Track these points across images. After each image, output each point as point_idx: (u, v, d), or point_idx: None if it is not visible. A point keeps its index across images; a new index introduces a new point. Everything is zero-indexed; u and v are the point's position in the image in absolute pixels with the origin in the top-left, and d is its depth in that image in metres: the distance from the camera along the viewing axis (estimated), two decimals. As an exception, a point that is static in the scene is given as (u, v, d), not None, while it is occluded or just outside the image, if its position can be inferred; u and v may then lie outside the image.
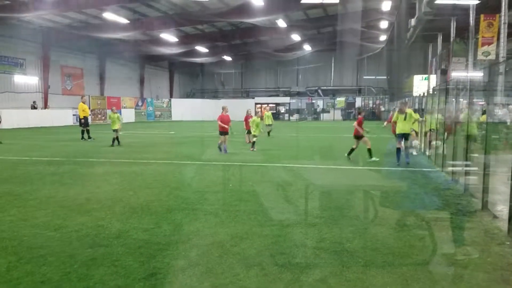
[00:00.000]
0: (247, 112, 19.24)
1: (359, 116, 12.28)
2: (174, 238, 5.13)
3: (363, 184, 8.86)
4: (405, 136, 11.35)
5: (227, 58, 50.24)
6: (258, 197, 7.48)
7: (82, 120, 20.53)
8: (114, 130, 17.04)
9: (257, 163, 11.85)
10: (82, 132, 20.22)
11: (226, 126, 13.98)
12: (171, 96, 56.68)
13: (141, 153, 14.27)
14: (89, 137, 20.04)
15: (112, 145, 16.66)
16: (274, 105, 53.09)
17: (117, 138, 17.07)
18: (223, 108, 14.36)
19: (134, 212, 6.34)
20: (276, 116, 49.55)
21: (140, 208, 6.57)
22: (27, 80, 35.77)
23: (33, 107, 35.03)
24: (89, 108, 30.92)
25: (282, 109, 53.65)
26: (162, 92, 55.97)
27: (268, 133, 21.69)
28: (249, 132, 18.35)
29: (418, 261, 4.47)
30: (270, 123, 22.22)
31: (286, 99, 53.90)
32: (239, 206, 6.79)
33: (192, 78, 62.59)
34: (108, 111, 40.28)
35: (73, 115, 34.39)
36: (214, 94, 59.60)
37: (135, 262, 4.33)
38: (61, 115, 35.47)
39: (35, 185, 8.52)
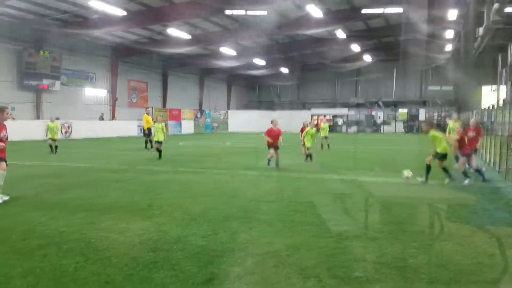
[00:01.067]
0: (304, 123, 19.13)
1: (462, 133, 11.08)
2: (230, 246, 5.17)
3: (427, 198, 8.45)
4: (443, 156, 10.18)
5: (284, 70, 50.49)
6: (315, 208, 7.37)
7: (146, 131, 21.52)
8: (157, 142, 15.96)
9: (313, 174, 11.72)
10: (146, 142, 21.13)
11: (270, 140, 13.05)
12: (228, 108, 57.84)
13: (199, 163, 14.63)
14: (152, 147, 20.88)
15: (159, 158, 15.75)
16: (331, 117, 52.31)
17: (157, 149, 16.03)
18: (272, 122, 13.60)
19: (192, 218, 6.48)
20: (333, 128, 48.83)
21: (198, 215, 6.71)
22: (96, 93, 38.13)
23: (101, 118, 37.20)
24: (153, 120, 32.31)
25: (340, 121, 52.75)
26: (220, 104, 57.27)
27: (328, 145, 21.36)
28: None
29: (487, 279, 4.17)
30: (326, 135, 21.88)
31: (344, 111, 52.91)
32: (295, 216, 6.72)
33: (248, 90, 63.57)
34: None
35: (138, 126, 36.01)
36: (270, 106, 59.99)
37: (193, 267, 4.40)
38: (127, 126, 37.26)
39: (102, 191, 8.99)
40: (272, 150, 13.15)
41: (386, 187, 9.89)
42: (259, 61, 43.81)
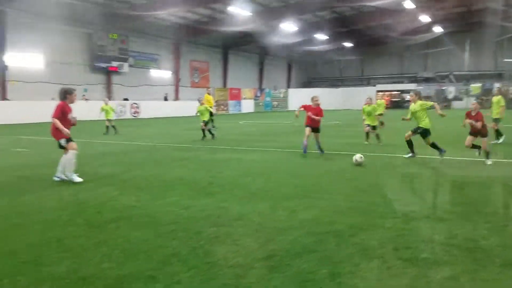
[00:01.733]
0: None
1: None
2: (290, 224, 5.15)
3: (502, 178, 7.86)
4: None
5: (347, 44, 48.93)
6: (379, 188, 7.14)
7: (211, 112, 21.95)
8: (203, 122, 15.88)
9: (377, 153, 11.34)
10: (208, 121, 21.59)
11: (314, 118, 11.05)
12: (288, 86, 57.40)
13: (259, 141, 14.71)
14: (213, 126, 21.32)
15: (206, 137, 15.75)
16: (398, 92, 50.09)
17: (207, 130, 15.96)
18: (312, 99, 11.44)
19: (252, 196, 6.55)
20: (400, 104, 46.84)
21: (257, 193, 6.76)
22: (161, 74, 39.45)
23: (165, 98, 38.56)
24: (214, 100, 32.89)
25: (407, 97, 50.49)
26: (280, 82, 56.97)
27: (382, 123, 20.53)
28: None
29: None
30: (382, 112, 20.97)
31: (412, 86, 50.46)
32: (358, 196, 6.56)
33: (309, 67, 62.48)
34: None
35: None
36: (333, 83, 58.66)
37: (254, 243, 4.45)
38: (189, 106, 38.28)
39: (167, 168, 9.34)
40: (308, 129, 11.08)
41: (456, 166, 9.34)
42: (321, 36, 42.75)
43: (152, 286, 3.46)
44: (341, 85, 55.95)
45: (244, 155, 11.34)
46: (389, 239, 4.59)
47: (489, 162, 9.08)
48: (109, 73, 34.16)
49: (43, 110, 24.89)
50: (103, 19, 32.61)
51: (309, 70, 62.79)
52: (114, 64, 34.01)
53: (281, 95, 54.00)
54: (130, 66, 35.65)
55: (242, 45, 46.05)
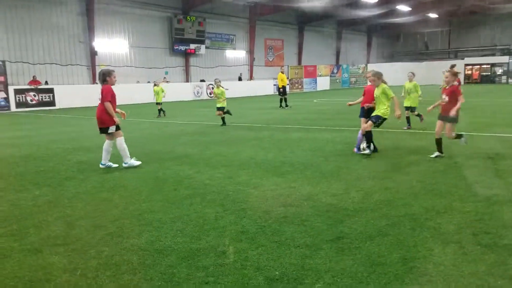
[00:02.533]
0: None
1: None
2: (363, 206, 5.03)
3: None
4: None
5: (432, 15, 45.67)
6: (460, 169, 6.69)
7: (281, 89, 21.93)
8: (218, 108, 14.45)
9: (462, 132, 10.57)
10: (281, 101, 21.60)
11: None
12: (367, 61, 55.20)
13: (333, 120, 14.42)
14: (286, 105, 21.29)
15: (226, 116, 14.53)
16: (488, 65, 46.01)
17: (226, 112, 14.61)
18: (368, 76, 8.89)
19: (324, 177, 6.47)
20: (491, 78, 43.05)
21: (330, 174, 6.67)
22: (236, 54, 39.98)
23: (240, 78, 39.12)
24: (287, 78, 32.72)
25: (499, 70, 46.16)
26: (358, 57, 54.96)
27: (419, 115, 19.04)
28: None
29: None
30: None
31: (504, 59, 46.00)
32: (437, 178, 6.21)
33: (391, 41, 59.47)
34: (305, 80, 41.73)
35: (274, 85, 36.97)
36: (416, 57, 55.32)
37: (323, 224, 4.42)
38: (263, 85, 38.52)
39: (240, 147, 9.55)
40: (363, 120, 8.69)
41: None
42: (403, 7, 40.33)
43: (221, 261, 3.60)
44: (426, 59, 52.53)
45: (318, 134, 11.21)
46: (467, 223, 4.31)
47: None
48: (187, 55, 35.37)
49: (128, 93, 26.67)
50: (182, 2, 33.64)
51: (390, 44, 59.77)
52: (192, 46, 35.09)
53: (360, 71, 52.13)
54: (207, 47, 36.56)
55: (319, 21, 44.96)
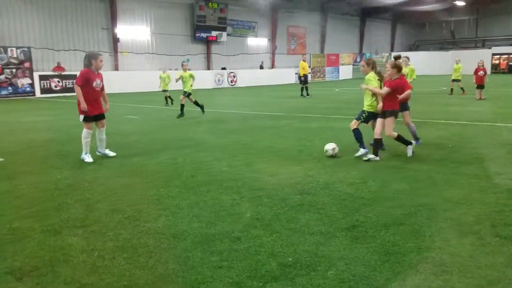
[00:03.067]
0: (478, 64, 16.79)
1: None
2: (379, 195, 4.98)
3: None
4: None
5: (459, 3, 44.33)
6: (483, 160, 6.53)
7: (302, 78, 21.75)
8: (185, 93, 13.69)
9: (484, 122, 10.31)
10: (302, 89, 21.45)
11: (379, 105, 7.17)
12: (391, 50, 54.12)
13: (354, 109, 14.15)
14: (308, 94, 21.12)
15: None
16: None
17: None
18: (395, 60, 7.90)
19: (341, 166, 6.43)
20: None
21: (347, 163, 6.63)
22: (257, 42, 39.76)
23: (261, 67, 38.93)
24: (309, 66, 32.42)
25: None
26: (382, 46, 53.93)
27: (462, 89, 18.71)
28: (479, 87, 16.10)
29: None
30: (457, 77, 19.12)
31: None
32: (458, 168, 6.09)
33: (416, 29, 58.10)
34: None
35: (295, 73, 36.70)
36: (442, 46, 53.94)
37: (338, 213, 4.40)
38: (285, 74, 38.25)
39: (258, 136, 9.55)
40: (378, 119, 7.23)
41: None
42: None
43: (236, 246, 3.63)
44: (452, 48, 51.15)
45: (338, 123, 11.10)
46: (487, 215, 4.23)
47: None
48: (208, 42, 35.38)
49: (149, 80, 26.91)
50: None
51: (415, 32, 58.39)
52: (214, 33, 35.06)
53: (384, 60, 51.10)
54: (228, 35, 36.47)
55: (342, 8, 44.24)
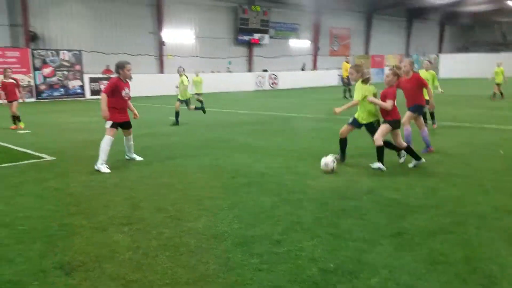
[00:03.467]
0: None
1: None
2: (427, 202, 4.80)
3: None
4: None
5: (511, 3, 42.17)
6: (539, 167, 6.16)
7: (345, 80, 21.42)
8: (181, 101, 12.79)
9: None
10: (344, 91, 21.13)
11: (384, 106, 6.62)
12: (439, 51, 52.25)
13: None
14: (351, 96, 20.76)
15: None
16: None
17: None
18: (395, 67, 7.00)
19: (387, 172, 6.25)
20: None
21: (392, 167, 6.45)
22: (299, 44, 39.56)
23: (303, 69, 38.70)
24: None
25: None
26: (429, 47, 52.16)
27: (501, 93, 17.58)
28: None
29: None
30: (499, 82, 17.92)
31: None
32: (511, 176, 5.77)
33: (465, 31, 55.78)
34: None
35: (338, 75, 36.17)
36: (493, 48, 51.42)
37: (382, 219, 4.28)
38: (327, 76, 37.79)
39: (299, 138, 9.50)
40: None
41: None
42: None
43: (276, 249, 3.61)
44: (503, 49, 48.71)
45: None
46: (543, 226, 3.98)
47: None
48: (250, 45, 35.61)
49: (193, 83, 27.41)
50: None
51: (464, 33, 56.10)
52: (256, 36, 35.25)
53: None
54: (271, 37, 36.54)
55: (388, 8, 43.22)
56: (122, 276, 3.20)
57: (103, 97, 6.73)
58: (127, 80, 7.07)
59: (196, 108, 13.44)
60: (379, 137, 6.29)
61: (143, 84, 27.36)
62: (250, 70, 35.54)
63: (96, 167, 6.63)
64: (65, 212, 4.73)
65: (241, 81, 31.85)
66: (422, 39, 51.32)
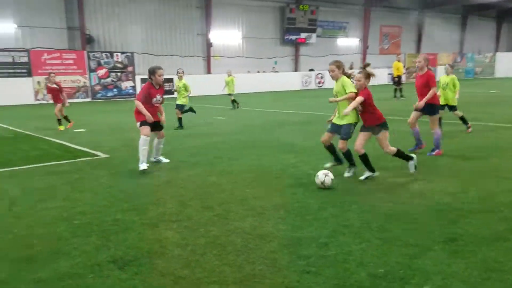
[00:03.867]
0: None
1: None
2: (482, 207, 4.58)
3: None
4: None
5: None
6: None
7: (396, 79, 20.77)
8: (178, 106, 12.44)
9: None
10: (395, 91, 20.51)
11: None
12: (496, 50, 49.53)
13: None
14: (402, 96, 20.13)
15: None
16: None
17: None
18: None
19: (438, 174, 6.06)
20: None
21: (445, 171, 6.23)
22: (348, 42, 38.90)
23: (351, 67, 37.95)
24: (404, 67, 30.89)
25: None
26: (486, 45, 49.57)
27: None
28: None
29: None
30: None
31: None
32: None
33: (525, 27, 52.58)
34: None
35: (388, 74, 35.16)
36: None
37: (434, 224, 4.13)
38: (376, 75, 36.71)
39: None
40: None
41: None
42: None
43: (323, 252, 3.57)
44: None
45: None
46: None
47: None
48: (297, 45, 35.44)
49: (239, 82, 27.63)
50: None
51: (524, 30, 52.90)
52: (303, 35, 35.05)
53: (487, 60, 46.93)
54: (318, 36, 36.20)
55: (442, 5, 41.51)
56: (172, 272, 3.29)
57: (137, 104, 6.69)
58: (160, 85, 6.93)
59: (187, 110, 12.68)
60: (386, 146, 5.78)
61: (190, 84, 27.96)
62: (296, 69, 35.39)
63: (139, 168, 6.61)
64: (118, 208, 4.92)
65: (287, 80, 31.78)
66: (478, 36, 48.87)
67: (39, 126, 12.83)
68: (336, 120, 6.04)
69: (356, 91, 5.81)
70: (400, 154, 5.87)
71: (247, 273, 3.25)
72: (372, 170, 5.81)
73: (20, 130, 12.09)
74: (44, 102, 12.78)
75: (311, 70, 34.89)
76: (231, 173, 6.51)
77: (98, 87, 25.35)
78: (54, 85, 12.26)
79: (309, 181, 5.82)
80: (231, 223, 4.32)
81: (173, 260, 3.50)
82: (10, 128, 12.77)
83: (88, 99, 24.74)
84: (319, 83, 33.50)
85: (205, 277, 3.20)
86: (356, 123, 5.97)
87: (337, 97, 5.94)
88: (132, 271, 3.33)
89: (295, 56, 35.83)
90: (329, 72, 6.08)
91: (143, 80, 26.61)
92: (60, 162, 7.60)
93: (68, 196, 5.45)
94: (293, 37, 34.82)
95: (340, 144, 5.90)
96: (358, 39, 39.36)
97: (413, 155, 6.06)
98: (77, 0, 25.50)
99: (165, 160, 7.36)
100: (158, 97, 6.88)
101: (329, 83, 33.50)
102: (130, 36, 27.87)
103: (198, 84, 27.48)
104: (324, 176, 5.42)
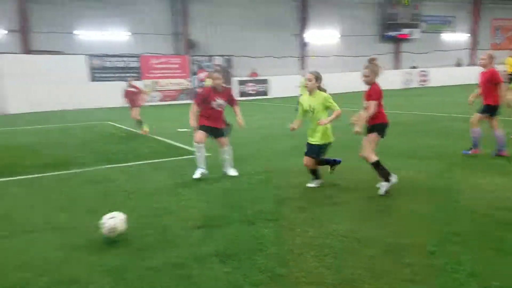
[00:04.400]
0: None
1: None
2: None
3: None
4: None
5: None
6: None
7: (510, 76, 18.83)
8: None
9: None
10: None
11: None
12: None
13: None
14: (518, 94, 18.15)
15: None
16: None
17: None
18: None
19: None
20: None
21: None
22: (455, 37, 36.13)
23: (458, 64, 35.18)
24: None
25: None
26: None
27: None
28: None
29: None
30: None
31: None
32: None
33: None
34: None
35: (503, 71, 31.93)
36: None
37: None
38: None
39: (452, 140, 8.63)
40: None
41: None
42: None
43: (429, 261, 3.35)
44: None
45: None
46: None
47: None
48: (398, 41, 33.80)
49: (335, 82, 27.13)
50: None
51: None
52: (405, 31, 33.32)
53: None
54: (422, 31, 34.16)
55: None
56: (270, 269, 3.34)
57: (192, 106, 6.55)
58: (222, 89, 6.60)
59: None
60: (369, 153, 5.17)
61: (285, 85, 28.21)
62: (396, 67, 33.78)
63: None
64: (218, 204, 5.13)
65: (386, 78, 30.21)
66: None
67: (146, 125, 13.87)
68: (309, 139, 5.55)
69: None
70: (378, 167, 5.14)
71: (346, 277, 3.17)
72: (387, 179, 5.12)
73: (130, 129, 13.13)
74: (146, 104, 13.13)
75: (413, 67, 33.04)
76: (329, 174, 6.36)
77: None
78: (132, 88, 12.39)
79: (414, 185, 5.55)
80: (328, 225, 4.25)
81: (270, 258, 3.55)
82: (123, 127, 13.99)
83: (190, 101, 26.24)
84: (422, 81, 31.59)
85: (303, 276, 3.20)
86: (329, 143, 5.54)
87: (314, 113, 5.43)
88: (233, 265, 3.44)
89: (396, 53, 34.20)
90: (307, 81, 5.54)
91: (240, 82, 27.51)
92: (167, 159, 8.14)
93: (175, 192, 5.80)
94: (394, 34, 33.27)
95: (304, 160, 5.52)
96: (466, 34, 36.35)
97: (393, 177, 5.16)
98: (182, 7, 27.18)
99: (232, 173, 6.61)
100: (219, 101, 6.49)
101: (434, 81, 31.46)
102: (228, 39, 28.88)
103: (292, 84, 27.68)
104: (110, 219, 4.07)
